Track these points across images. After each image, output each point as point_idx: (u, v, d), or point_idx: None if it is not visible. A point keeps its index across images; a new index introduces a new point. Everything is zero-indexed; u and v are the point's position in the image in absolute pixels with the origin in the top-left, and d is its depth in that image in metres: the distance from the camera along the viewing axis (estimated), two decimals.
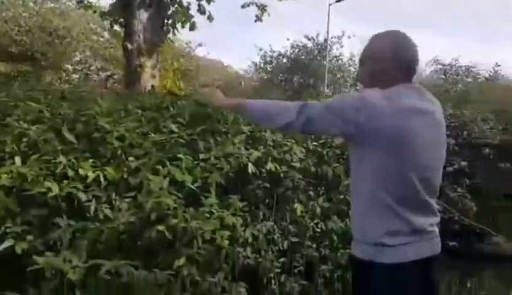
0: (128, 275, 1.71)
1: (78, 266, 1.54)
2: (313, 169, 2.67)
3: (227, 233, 2.12)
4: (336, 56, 19.41)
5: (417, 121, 1.41)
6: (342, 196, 2.94)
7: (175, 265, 1.84)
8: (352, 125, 1.42)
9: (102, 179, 1.71)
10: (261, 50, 19.44)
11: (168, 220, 1.82)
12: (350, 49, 30.65)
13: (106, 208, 1.68)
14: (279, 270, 2.56)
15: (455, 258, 3.69)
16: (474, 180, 3.76)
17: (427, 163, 1.46)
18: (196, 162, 2.02)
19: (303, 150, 2.57)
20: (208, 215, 2.07)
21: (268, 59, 19.70)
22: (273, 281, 2.55)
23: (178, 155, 1.95)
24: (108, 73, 12.95)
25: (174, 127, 1.97)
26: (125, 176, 1.80)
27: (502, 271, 3.33)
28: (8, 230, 1.49)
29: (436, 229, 1.54)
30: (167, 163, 1.89)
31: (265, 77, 19.05)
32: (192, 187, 1.86)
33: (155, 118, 2.07)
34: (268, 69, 19.63)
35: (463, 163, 3.43)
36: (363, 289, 1.57)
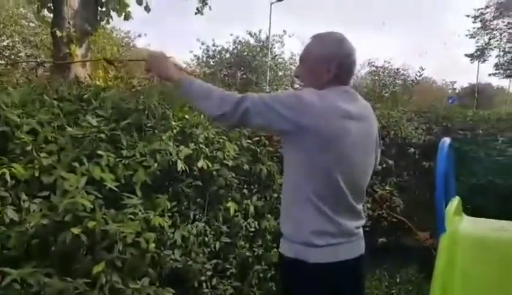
0: (38, 285, 1.59)
1: None
2: (246, 167, 2.69)
3: (153, 235, 2.07)
4: (277, 55, 20.05)
5: (348, 124, 1.48)
6: (276, 195, 3.01)
7: (94, 272, 1.75)
8: (286, 122, 1.46)
9: (8, 177, 1.57)
10: (203, 44, 19.43)
11: (85, 223, 1.72)
12: (290, 48, 31.77)
13: (13, 210, 1.54)
14: (210, 273, 2.55)
15: (384, 254, 3.96)
16: (401, 179, 4.06)
17: (354, 167, 1.54)
18: (118, 159, 1.93)
19: (236, 148, 2.58)
20: (132, 216, 1.99)
21: (211, 53, 19.76)
22: (204, 285, 2.53)
23: (99, 152, 1.86)
24: (39, 60, 12.03)
25: (94, 121, 1.86)
26: (36, 174, 1.66)
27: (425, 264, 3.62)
28: None
29: (361, 231, 1.66)
30: (85, 161, 1.79)
31: (208, 71, 19.03)
32: (112, 186, 1.78)
33: (74, 110, 1.94)
34: (211, 63, 19.68)
35: (391, 162, 3.69)
36: (291, 288, 1.62)
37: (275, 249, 2.96)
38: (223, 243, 2.62)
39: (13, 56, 11.51)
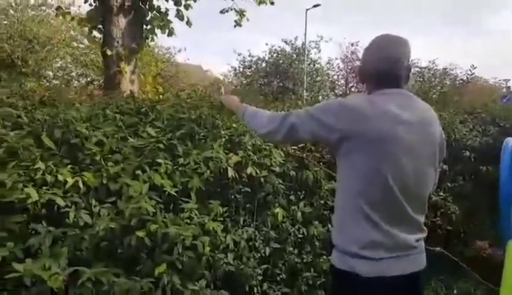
0: (108, 283, 1.77)
1: (57, 273, 1.59)
2: (293, 173, 2.78)
3: (208, 239, 2.21)
4: (314, 61, 20.05)
5: (398, 128, 1.45)
6: (322, 201, 3.06)
7: (156, 273, 1.91)
8: (331, 131, 1.49)
9: (81, 184, 1.78)
10: (239, 55, 19.93)
11: (148, 226, 1.90)
12: (328, 53, 31.67)
13: (85, 214, 1.74)
14: (261, 278, 2.64)
15: (440, 264, 3.84)
16: (456, 184, 3.94)
17: (409, 174, 1.47)
18: (175, 167, 2.10)
19: (282, 154, 2.68)
20: (188, 221, 2.15)
21: (247, 63, 20.20)
22: (255, 289, 2.63)
23: (158, 160, 2.04)
24: (89, 79, 13.03)
25: (152, 132, 2.05)
26: (104, 181, 1.86)
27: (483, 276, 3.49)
28: None
29: (422, 244, 1.57)
30: (147, 168, 1.97)
31: (244, 82, 19.45)
32: (172, 192, 1.94)
33: (134, 123, 2.15)
34: (248, 73, 20.09)
35: (445, 167, 3.60)
36: None
37: (324, 257, 3.00)
38: (272, 248, 2.72)
39: (66, 76, 12.54)
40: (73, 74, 13.05)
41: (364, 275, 1.45)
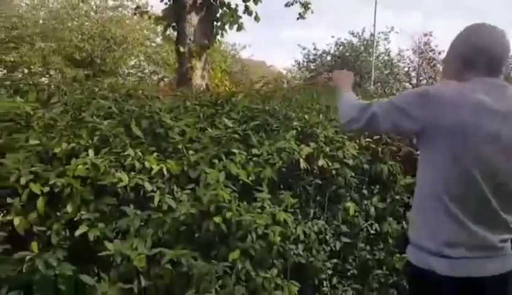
0: (187, 265, 1.85)
1: (143, 253, 1.70)
2: (366, 166, 2.68)
3: (279, 229, 2.21)
4: (383, 52, 19.00)
5: (485, 118, 1.36)
6: (398, 197, 2.91)
7: (230, 258, 1.96)
8: (414, 121, 1.43)
9: (165, 171, 1.88)
10: (304, 48, 19.52)
11: (224, 213, 1.95)
12: (398, 44, 29.72)
13: (169, 198, 1.84)
14: (331, 272, 2.59)
15: None
16: None
17: (498, 168, 1.37)
18: (249, 157, 2.13)
19: (356, 146, 2.59)
20: (260, 210, 2.17)
21: (312, 57, 19.75)
22: (325, 283, 2.59)
23: (233, 150, 2.08)
24: (160, 76, 13.80)
25: (229, 122, 2.10)
26: (185, 169, 1.95)
27: None
28: (83, 217, 1.69)
29: (509, 246, 1.45)
30: (223, 157, 2.02)
31: (308, 76, 19.11)
32: (247, 180, 1.97)
33: (211, 114, 2.22)
34: (312, 67, 19.66)
35: None
36: None
37: (397, 255, 2.86)
38: (342, 242, 2.65)
39: (139, 73, 13.41)
40: (146, 71, 13.90)
41: (443, 273, 1.38)
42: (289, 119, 2.40)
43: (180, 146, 1.95)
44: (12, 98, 1.87)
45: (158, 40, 13.56)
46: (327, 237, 2.60)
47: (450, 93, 1.40)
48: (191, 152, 1.97)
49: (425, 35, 19.47)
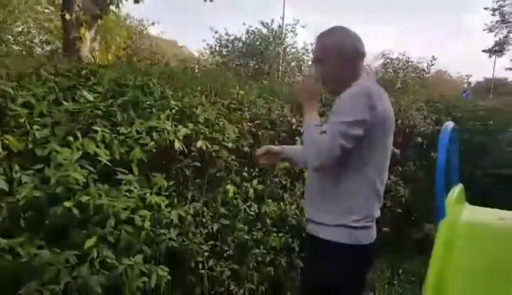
0: (28, 255, 1.59)
1: None
2: (247, 149, 2.65)
3: (149, 213, 2.05)
4: (290, 44, 19.66)
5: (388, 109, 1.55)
6: (277, 180, 2.96)
7: (86, 246, 1.74)
8: (366, 124, 1.46)
9: (0, 148, 1.56)
10: (216, 32, 19.18)
11: (78, 197, 1.71)
12: (303, 38, 31.33)
13: (2, 179, 1.53)
14: (207, 254, 2.53)
15: (387, 245, 3.88)
16: (407, 168, 3.95)
17: (387, 152, 1.59)
18: (114, 136, 1.90)
19: (236, 130, 2.53)
20: (127, 194, 1.98)
21: (224, 42, 19.53)
22: (201, 265, 2.51)
23: (94, 127, 1.83)
24: (54, 47, 12.09)
25: (90, 96, 1.84)
26: (30, 146, 1.65)
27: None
28: None
29: None
30: (79, 135, 1.76)
31: (220, 61, 18.90)
32: (106, 161, 1.76)
33: (71, 86, 1.92)
34: (224, 52, 19.46)
35: (397, 151, 3.59)
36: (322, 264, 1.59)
37: (274, 234, 2.93)
38: (220, 224, 2.60)
39: (27, 42, 11.57)
40: (37, 40, 12.09)
41: (366, 242, 1.56)
42: (165, 98, 2.22)
43: (23, 120, 1.63)
44: None
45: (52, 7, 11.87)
46: (204, 220, 2.52)
47: (373, 89, 1.51)
48: (36, 127, 1.67)
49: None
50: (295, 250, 3.08)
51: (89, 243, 1.73)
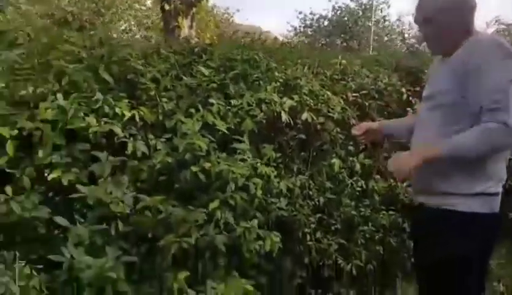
0: (166, 212, 1.86)
1: (119, 198, 1.72)
2: (353, 121, 2.67)
3: (260, 182, 2.22)
4: (382, 17, 18.58)
5: None
6: (386, 154, 2.92)
7: (210, 208, 1.97)
8: None
9: (137, 118, 1.86)
10: (300, 13, 19.05)
11: (201, 163, 1.95)
12: (397, 10, 29.10)
13: (143, 144, 1.83)
14: (314, 226, 2.63)
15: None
16: None
17: None
18: (228, 108, 2.11)
19: (341, 101, 2.57)
20: (241, 163, 2.17)
21: (308, 22, 19.30)
22: (308, 236, 2.63)
23: (211, 100, 2.06)
24: (152, 41, 13.41)
25: (205, 71, 2.07)
26: (160, 117, 1.94)
27: None
28: (54, 161, 1.69)
29: None
30: (200, 107, 2.01)
31: (305, 42, 18.73)
32: (225, 130, 1.97)
33: (188, 62, 2.18)
34: (309, 32, 19.24)
35: None
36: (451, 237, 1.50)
37: (383, 212, 2.91)
38: (327, 198, 2.68)
39: (130, 39, 13.01)
40: (138, 36, 13.50)
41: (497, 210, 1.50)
42: (270, 70, 2.37)
43: (152, 93, 1.92)
44: None
45: (148, 3, 13.15)
46: (311, 192, 2.62)
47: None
48: (164, 100, 1.95)
49: None
50: (405, 230, 3.02)
51: (213, 205, 1.97)
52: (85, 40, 2.03)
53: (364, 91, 2.80)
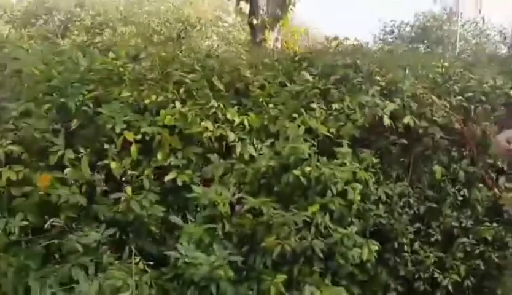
0: (267, 214, 1.85)
1: (227, 198, 1.74)
2: (457, 126, 2.42)
3: (359, 187, 2.11)
4: (470, 20, 16.93)
5: None
6: (491, 161, 2.61)
7: (309, 212, 1.92)
8: None
9: (246, 124, 1.88)
10: (379, 20, 18.19)
11: (303, 167, 1.91)
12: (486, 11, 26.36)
13: (251, 148, 1.85)
14: (412, 236, 2.44)
15: None
16: None
17: None
18: (329, 112, 2.05)
19: (446, 104, 2.35)
20: (340, 167, 2.09)
21: (388, 29, 18.33)
22: (405, 247, 2.44)
23: (312, 105, 2.01)
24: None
25: (308, 76, 2.03)
26: (265, 122, 1.94)
27: None
28: (172, 164, 1.77)
29: None
30: (303, 112, 1.97)
31: (385, 49, 17.79)
32: (328, 134, 1.90)
33: (291, 69, 2.16)
34: (389, 39, 18.27)
35: None
36: None
37: (486, 224, 2.59)
38: (427, 207, 2.47)
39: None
40: (220, 51, 14.09)
41: None
42: (371, 74, 2.25)
43: (260, 99, 1.93)
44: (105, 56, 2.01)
45: (230, 19, 13.64)
46: (410, 200, 2.44)
47: None
48: (270, 105, 1.95)
49: None
50: (509, 245, 2.65)
51: (313, 209, 1.91)
52: (195, 53, 2.11)
53: (468, 94, 2.52)
